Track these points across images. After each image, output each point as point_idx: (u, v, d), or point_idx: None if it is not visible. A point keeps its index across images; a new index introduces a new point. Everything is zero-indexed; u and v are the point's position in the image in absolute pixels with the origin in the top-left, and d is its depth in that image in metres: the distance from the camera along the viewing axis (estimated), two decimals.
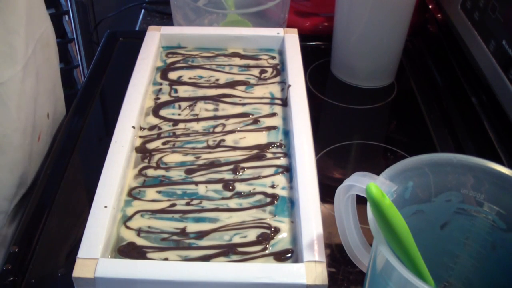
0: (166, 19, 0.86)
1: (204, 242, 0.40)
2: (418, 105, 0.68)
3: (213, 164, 0.46)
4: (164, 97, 0.53)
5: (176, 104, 0.52)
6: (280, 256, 0.39)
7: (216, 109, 0.51)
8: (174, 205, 0.42)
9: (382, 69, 0.70)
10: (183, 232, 0.40)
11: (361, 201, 0.36)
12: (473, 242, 0.38)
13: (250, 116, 0.51)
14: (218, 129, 0.49)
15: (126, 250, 0.39)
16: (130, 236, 0.40)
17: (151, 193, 0.43)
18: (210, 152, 0.47)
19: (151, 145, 0.48)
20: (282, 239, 0.40)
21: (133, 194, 0.43)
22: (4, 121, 0.51)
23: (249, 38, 0.59)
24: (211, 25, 0.70)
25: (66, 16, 1.09)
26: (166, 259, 0.38)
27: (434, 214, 0.38)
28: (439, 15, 0.76)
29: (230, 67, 0.57)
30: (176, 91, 0.54)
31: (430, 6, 0.79)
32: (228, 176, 0.45)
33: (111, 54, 0.74)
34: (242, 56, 0.58)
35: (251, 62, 0.57)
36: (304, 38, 0.64)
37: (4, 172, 0.52)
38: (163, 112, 0.51)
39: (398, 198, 0.36)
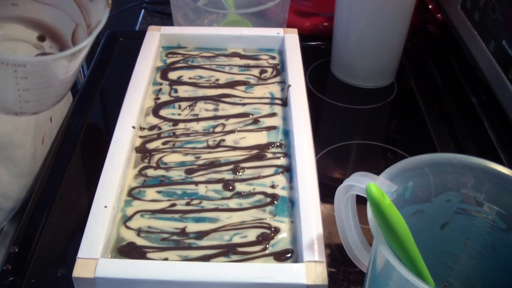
0: (166, 19, 0.86)
1: (204, 242, 0.40)
2: (418, 105, 0.68)
3: (213, 164, 0.46)
4: (164, 97, 0.53)
5: (176, 104, 0.52)
6: (280, 256, 0.39)
7: (216, 109, 0.51)
8: (174, 205, 0.42)
9: (382, 69, 0.70)
10: (183, 232, 0.40)
11: (361, 201, 0.36)
12: (473, 242, 0.38)
13: (250, 116, 0.51)
14: (218, 129, 0.49)
15: (126, 250, 0.39)
16: (130, 236, 0.40)
17: (151, 193, 0.43)
18: (210, 152, 0.47)
19: (151, 145, 0.48)
20: (282, 239, 0.40)
21: (133, 194, 0.43)
22: (5, 119, 0.51)
23: (249, 38, 0.59)
24: (211, 25, 0.70)
25: None
26: (166, 259, 0.38)
27: (434, 214, 0.38)
28: (439, 15, 0.76)
29: (230, 67, 0.57)
30: (176, 91, 0.54)
31: (430, 6, 0.79)
32: (228, 176, 0.45)
33: (111, 54, 0.74)
34: (242, 56, 0.58)
35: (251, 62, 0.57)
36: (304, 38, 0.64)
37: (11, 175, 0.53)
38: (163, 112, 0.51)
39: (398, 198, 0.36)
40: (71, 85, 0.48)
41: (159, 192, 0.43)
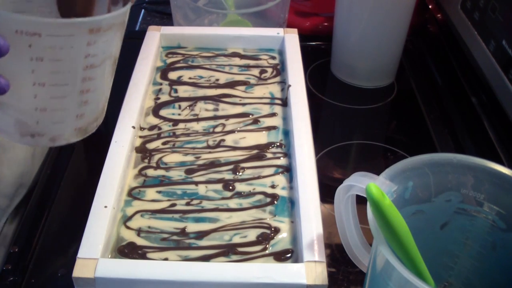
0: (166, 19, 0.86)
1: (204, 242, 0.40)
2: (418, 105, 0.68)
3: (213, 164, 0.46)
4: (164, 97, 0.53)
5: (176, 104, 0.52)
6: (280, 256, 0.39)
7: (216, 109, 0.51)
8: (174, 205, 0.42)
9: (382, 69, 0.70)
10: (183, 232, 0.40)
11: (361, 201, 0.36)
12: (473, 242, 0.38)
13: (250, 116, 0.51)
14: (218, 129, 0.49)
15: (126, 250, 0.39)
16: (130, 236, 0.40)
17: (151, 193, 0.43)
18: (210, 152, 0.47)
19: (151, 145, 0.48)
20: (282, 239, 0.40)
21: (133, 194, 0.43)
22: None
23: (249, 38, 0.59)
24: (211, 25, 0.70)
25: None
26: (166, 259, 0.38)
27: (434, 214, 0.38)
28: (439, 15, 0.76)
29: (230, 67, 0.57)
30: (176, 91, 0.54)
31: (430, 6, 0.79)
32: (228, 176, 0.45)
33: None
34: (242, 56, 0.58)
35: (251, 62, 0.57)
36: (304, 38, 0.64)
37: (3, 168, 0.52)
38: (163, 112, 0.51)
39: (398, 198, 0.36)
40: (97, 103, 0.41)
41: (159, 192, 0.43)
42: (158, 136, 0.48)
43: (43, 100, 0.37)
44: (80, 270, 0.36)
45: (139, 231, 0.40)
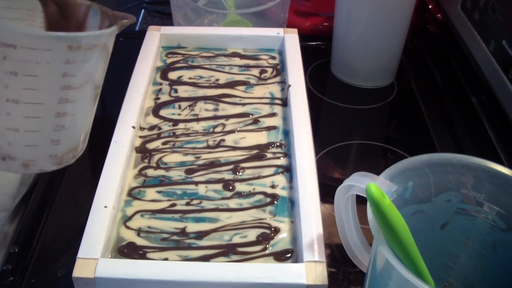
0: (166, 19, 0.86)
1: (204, 242, 0.40)
2: (418, 105, 0.68)
3: (213, 164, 0.46)
4: (164, 97, 0.53)
5: (176, 104, 0.52)
6: (280, 256, 0.39)
7: (216, 109, 0.51)
8: (174, 205, 0.42)
9: (382, 69, 0.70)
10: (183, 232, 0.40)
11: (361, 201, 0.36)
12: (473, 242, 0.38)
13: (250, 116, 0.51)
14: (218, 129, 0.49)
15: (126, 250, 0.39)
16: (130, 236, 0.40)
17: (151, 193, 0.43)
18: (210, 152, 0.47)
19: (151, 145, 0.48)
20: (282, 239, 0.40)
21: (133, 194, 0.43)
22: None
23: (249, 38, 0.59)
24: (211, 25, 0.70)
25: None
26: (166, 259, 0.38)
27: (434, 214, 0.38)
28: (439, 15, 0.76)
29: (230, 67, 0.57)
30: (176, 91, 0.54)
31: (430, 6, 0.79)
32: (228, 176, 0.45)
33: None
34: (242, 56, 0.58)
35: (251, 62, 0.57)
36: (304, 38, 0.64)
37: (21, 174, 0.53)
38: (163, 112, 0.51)
39: (398, 198, 0.36)
40: (75, 131, 0.38)
41: (159, 192, 0.43)
42: (158, 136, 0.48)
43: (16, 119, 0.36)
44: (80, 270, 0.36)
45: (139, 231, 0.40)
